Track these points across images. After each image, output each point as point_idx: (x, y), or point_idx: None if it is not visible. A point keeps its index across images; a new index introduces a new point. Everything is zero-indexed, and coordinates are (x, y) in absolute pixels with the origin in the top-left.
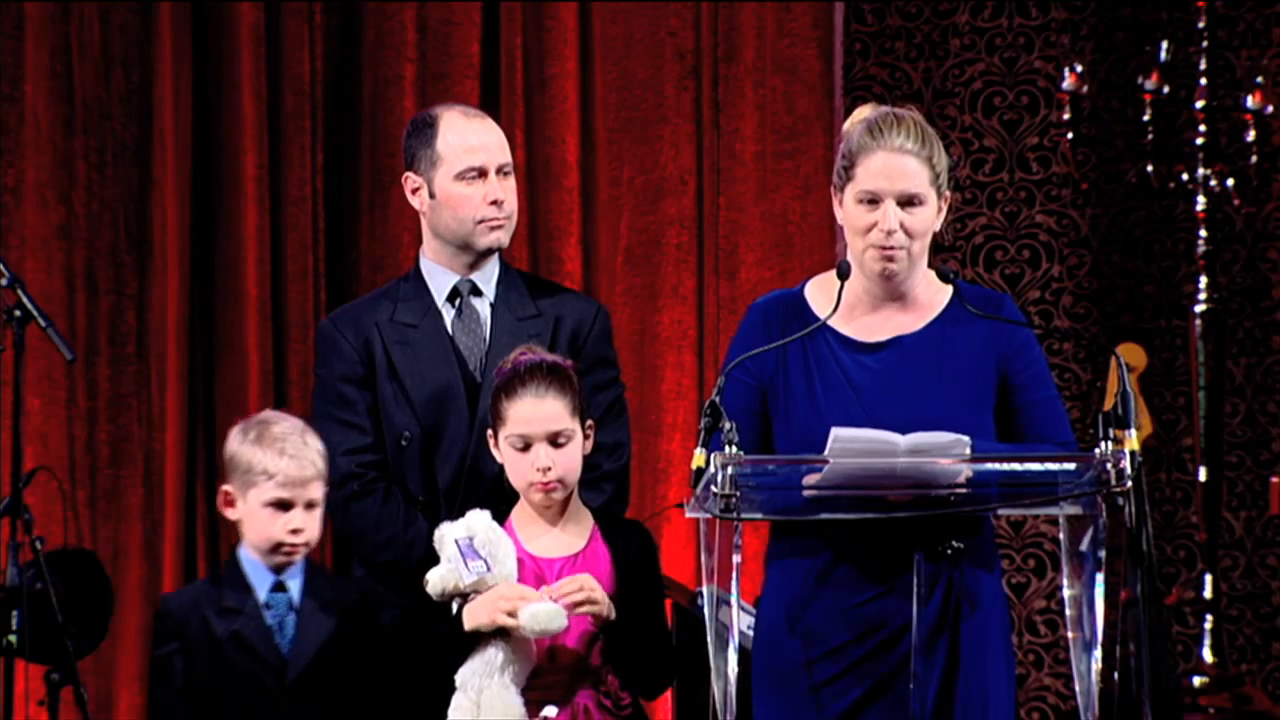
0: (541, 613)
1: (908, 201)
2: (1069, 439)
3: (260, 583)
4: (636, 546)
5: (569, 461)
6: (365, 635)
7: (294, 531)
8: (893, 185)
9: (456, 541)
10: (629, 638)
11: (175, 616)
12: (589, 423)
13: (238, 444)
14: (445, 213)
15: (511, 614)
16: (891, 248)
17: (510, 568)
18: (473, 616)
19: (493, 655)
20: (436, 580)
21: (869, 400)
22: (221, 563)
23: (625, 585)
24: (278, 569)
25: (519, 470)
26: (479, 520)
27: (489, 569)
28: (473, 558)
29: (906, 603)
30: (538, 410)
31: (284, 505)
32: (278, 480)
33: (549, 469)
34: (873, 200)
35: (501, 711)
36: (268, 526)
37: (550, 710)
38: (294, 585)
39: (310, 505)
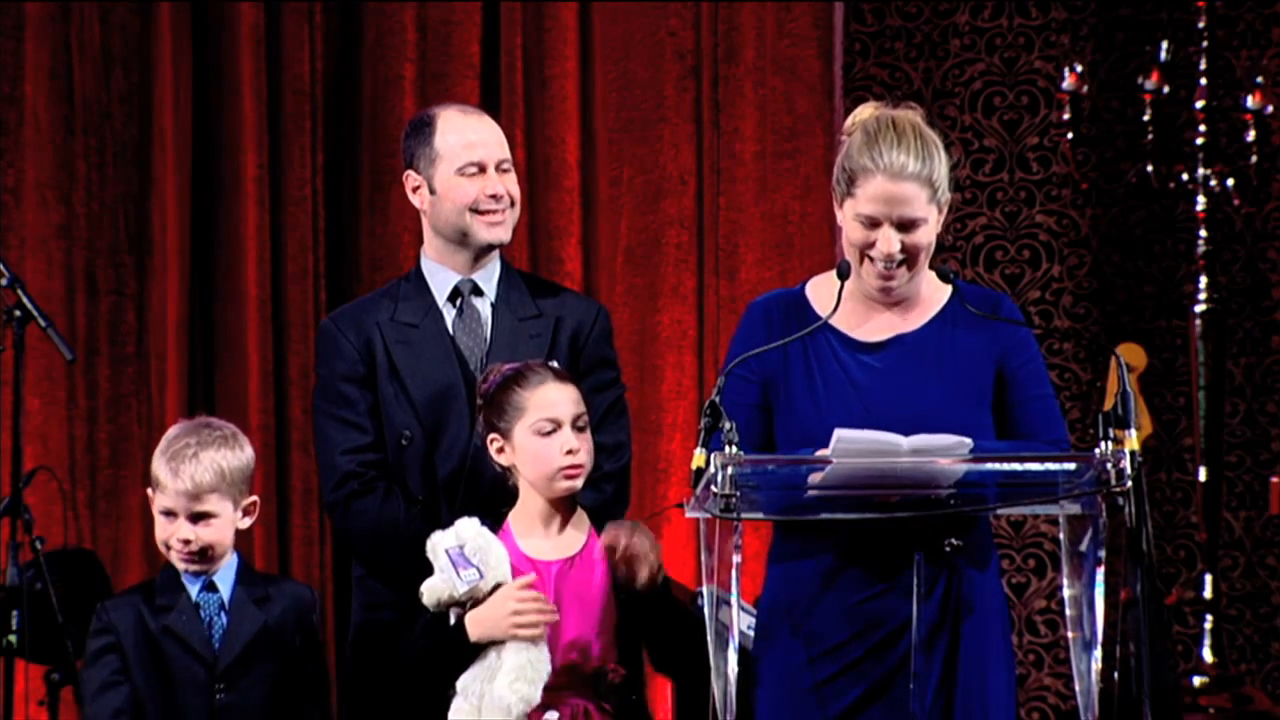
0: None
1: (908, 225)
2: (1062, 438)
3: (191, 584)
4: None
5: (591, 447)
6: (300, 631)
7: (183, 541)
8: (891, 211)
9: (447, 551)
10: (646, 625)
11: (109, 614)
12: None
13: (159, 447)
14: (445, 205)
15: (523, 625)
16: (891, 268)
17: (504, 572)
18: (479, 628)
19: (494, 661)
20: (431, 591)
21: (870, 399)
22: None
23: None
24: (194, 573)
25: (546, 456)
26: (468, 528)
27: (481, 576)
28: (464, 566)
29: (906, 601)
30: (563, 393)
31: (170, 514)
32: (163, 489)
33: (577, 450)
34: (872, 223)
35: (502, 716)
36: (162, 533)
37: (551, 715)
38: (224, 585)
39: (199, 517)
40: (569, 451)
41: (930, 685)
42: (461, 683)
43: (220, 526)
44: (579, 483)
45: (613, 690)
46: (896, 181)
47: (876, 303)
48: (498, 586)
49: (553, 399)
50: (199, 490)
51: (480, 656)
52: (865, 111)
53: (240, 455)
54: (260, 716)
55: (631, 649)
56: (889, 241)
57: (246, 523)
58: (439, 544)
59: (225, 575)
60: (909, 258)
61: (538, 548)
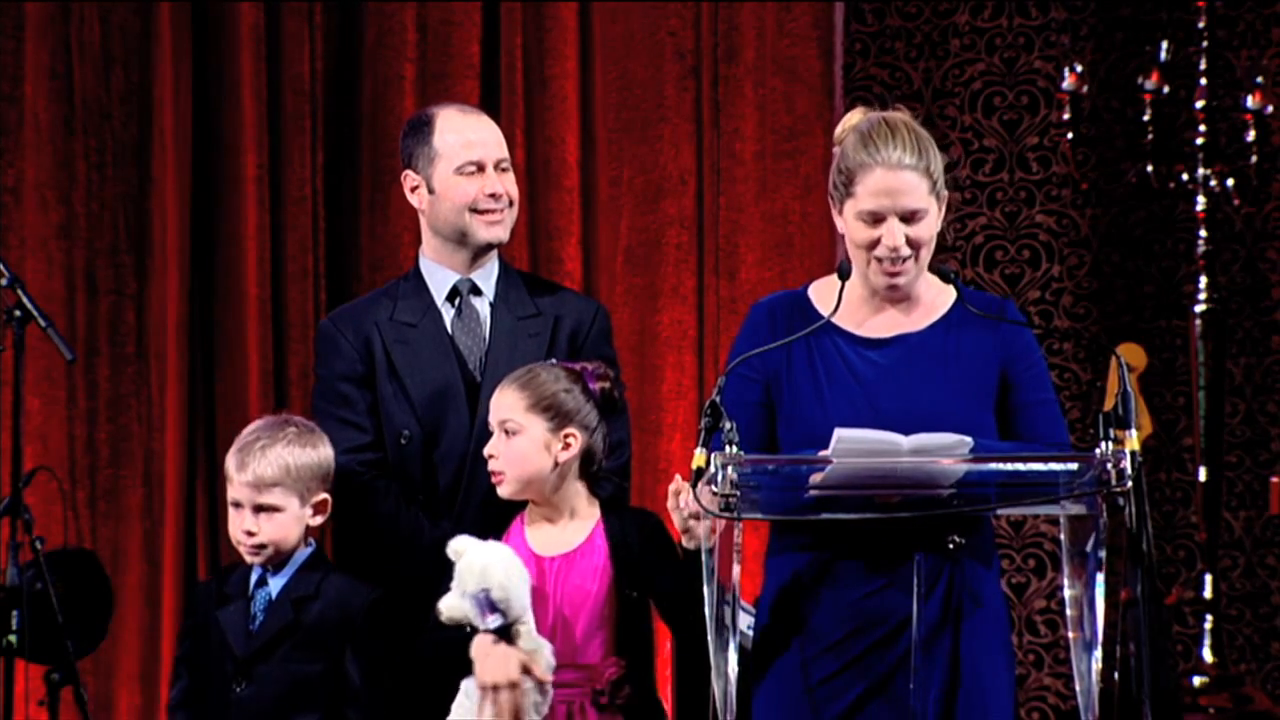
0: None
1: (910, 216)
2: (1064, 441)
3: (252, 577)
4: (638, 533)
5: (512, 454)
6: (341, 631)
7: (247, 533)
8: (894, 203)
9: (474, 597)
10: (664, 603)
11: (193, 600)
12: (567, 432)
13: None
14: (443, 204)
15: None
16: (898, 263)
17: (525, 606)
18: (481, 662)
19: None
20: (449, 610)
21: (874, 395)
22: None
23: (625, 572)
24: (260, 565)
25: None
26: (496, 570)
27: (504, 620)
28: (489, 613)
29: (906, 598)
30: (498, 398)
31: (238, 505)
32: (230, 481)
33: (491, 456)
34: (876, 219)
35: None
36: (230, 524)
37: None
38: (277, 581)
39: (261, 509)
40: (486, 455)
41: (931, 683)
42: (466, 684)
43: (284, 521)
44: (501, 490)
45: (610, 685)
46: (896, 172)
47: (881, 301)
48: (514, 624)
49: (493, 403)
50: (260, 483)
51: None
52: (855, 116)
53: (311, 453)
54: (278, 715)
55: (632, 643)
56: (893, 235)
57: (317, 520)
58: (466, 560)
59: (284, 571)
60: (913, 251)
61: (544, 541)
